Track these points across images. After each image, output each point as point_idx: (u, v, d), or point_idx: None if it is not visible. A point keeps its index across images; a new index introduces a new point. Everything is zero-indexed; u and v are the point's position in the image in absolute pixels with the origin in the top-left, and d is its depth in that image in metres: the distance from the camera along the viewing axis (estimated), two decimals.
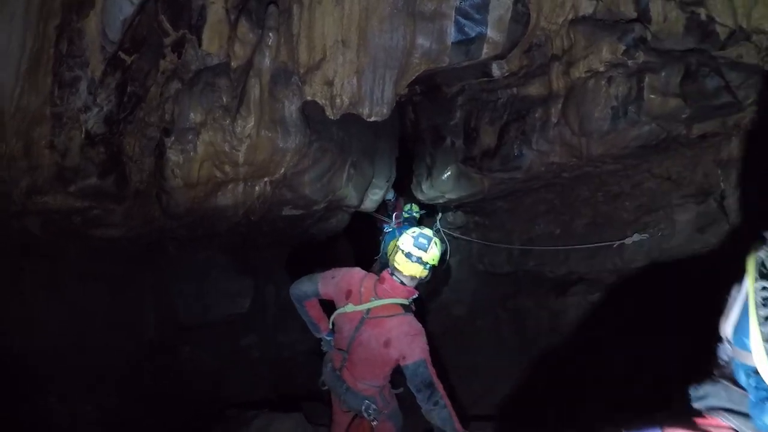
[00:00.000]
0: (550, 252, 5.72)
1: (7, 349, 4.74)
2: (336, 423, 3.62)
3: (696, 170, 4.76)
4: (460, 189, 5.86)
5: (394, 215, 7.24)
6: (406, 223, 6.85)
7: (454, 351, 6.43)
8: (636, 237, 4.92)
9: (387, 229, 7.21)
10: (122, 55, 4.45)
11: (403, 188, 7.57)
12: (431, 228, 7.67)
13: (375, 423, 3.29)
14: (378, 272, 7.19)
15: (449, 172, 5.84)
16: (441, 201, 6.53)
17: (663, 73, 4.25)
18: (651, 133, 4.42)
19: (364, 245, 8.09)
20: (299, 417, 4.92)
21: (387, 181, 6.14)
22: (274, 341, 6.64)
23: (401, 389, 3.34)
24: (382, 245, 7.30)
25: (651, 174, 4.96)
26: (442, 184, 5.91)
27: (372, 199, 6.00)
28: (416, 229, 3.14)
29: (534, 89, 5.08)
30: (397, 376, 3.13)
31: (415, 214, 7.02)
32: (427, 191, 6.27)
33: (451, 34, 4.64)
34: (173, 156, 4.73)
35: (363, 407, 3.22)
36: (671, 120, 4.35)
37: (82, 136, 4.39)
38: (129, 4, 4.28)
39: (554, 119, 4.83)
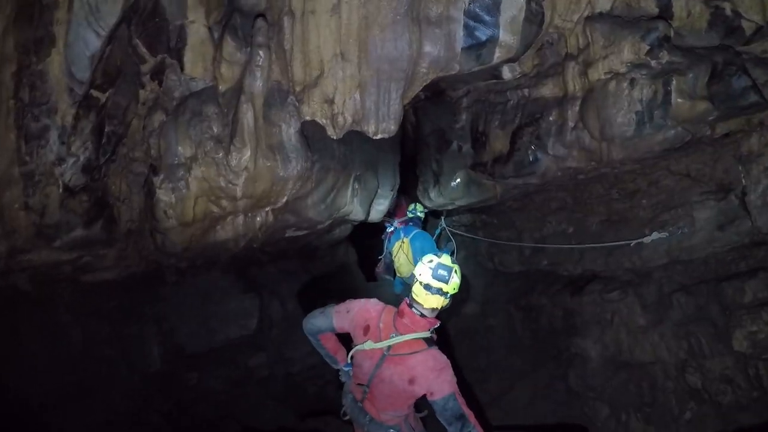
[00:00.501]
0: (565, 250, 5.59)
1: (10, 402, 4.52)
2: None
3: (716, 166, 4.61)
4: (471, 196, 5.60)
5: (397, 214, 6.91)
6: (410, 224, 6.60)
7: (467, 350, 6.40)
8: (655, 236, 4.79)
9: (389, 228, 6.94)
10: (95, 94, 3.94)
11: (403, 187, 7.23)
12: (437, 227, 7.50)
13: None
14: (383, 272, 7.04)
15: (458, 179, 5.55)
16: (450, 207, 6.27)
17: (690, 75, 3.97)
18: (676, 137, 4.18)
19: (367, 246, 7.80)
20: None
21: (392, 190, 5.81)
22: (282, 358, 6.47)
23: (425, 412, 3.21)
24: (385, 245, 7.07)
25: (669, 171, 4.79)
26: (451, 191, 5.62)
27: (378, 210, 5.70)
28: (433, 258, 2.87)
29: (547, 90, 4.77)
30: (420, 399, 2.95)
31: (419, 213, 6.73)
32: (435, 198, 5.97)
33: (461, 39, 4.24)
34: (164, 196, 4.31)
35: None
36: (698, 123, 4.13)
37: (60, 190, 3.94)
38: (95, 37, 3.74)
39: (571, 123, 4.54)
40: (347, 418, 3.30)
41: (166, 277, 5.29)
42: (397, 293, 6.79)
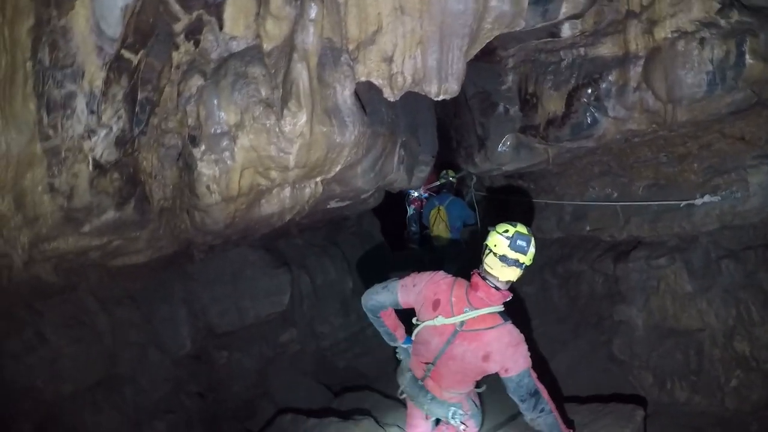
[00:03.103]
0: (609, 216, 5.47)
1: (38, 400, 4.18)
2: (415, 427, 3.35)
3: None
4: (520, 160, 5.40)
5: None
6: (444, 190, 6.43)
7: None
8: (707, 198, 4.72)
9: (415, 195, 6.74)
10: (127, 54, 3.36)
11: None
12: (468, 191, 7.27)
13: (463, 428, 3.08)
14: (412, 241, 6.84)
15: (507, 143, 5.30)
16: (496, 173, 6.04)
17: (762, 35, 3.87)
18: (744, 99, 4.08)
19: (388, 210, 7.49)
20: (370, 424, 4.61)
21: (432, 156, 5.55)
22: (313, 332, 6.32)
23: (483, 387, 3.13)
24: (410, 211, 6.91)
25: (722, 134, 4.67)
26: (499, 156, 5.37)
27: (419, 177, 5.44)
28: (509, 228, 2.71)
29: (605, 49, 4.55)
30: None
31: (451, 179, 6.57)
32: (480, 164, 5.72)
33: None
34: (206, 169, 3.82)
35: (450, 414, 3.03)
36: (766, 84, 4.02)
37: (90, 168, 3.38)
38: None
39: (633, 83, 4.37)
40: (404, 396, 3.20)
41: (194, 255, 4.85)
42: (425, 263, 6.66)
